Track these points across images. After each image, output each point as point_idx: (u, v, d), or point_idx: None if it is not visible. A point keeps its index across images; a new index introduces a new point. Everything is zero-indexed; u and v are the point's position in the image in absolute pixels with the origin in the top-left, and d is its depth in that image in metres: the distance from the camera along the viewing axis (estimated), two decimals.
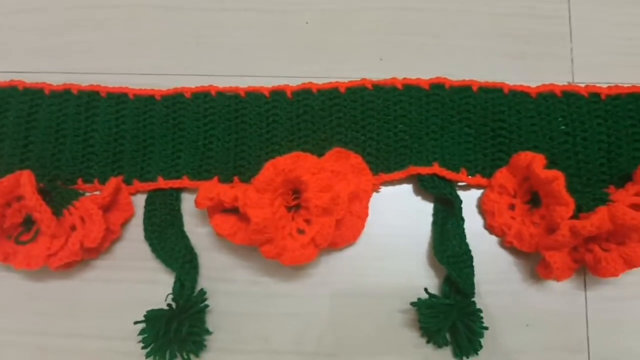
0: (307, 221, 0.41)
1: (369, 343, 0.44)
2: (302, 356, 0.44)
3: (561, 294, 0.44)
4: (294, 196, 0.42)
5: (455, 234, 0.43)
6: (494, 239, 0.45)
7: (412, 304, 0.42)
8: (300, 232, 0.42)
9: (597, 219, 0.39)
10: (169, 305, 0.42)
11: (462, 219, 0.44)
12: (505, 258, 0.45)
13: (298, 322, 0.44)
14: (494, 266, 0.45)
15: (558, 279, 0.42)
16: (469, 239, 0.45)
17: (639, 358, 0.43)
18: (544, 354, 0.43)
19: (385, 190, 0.47)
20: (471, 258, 0.43)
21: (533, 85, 0.47)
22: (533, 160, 0.42)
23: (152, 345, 0.41)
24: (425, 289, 0.42)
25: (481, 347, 0.42)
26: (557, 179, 0.41)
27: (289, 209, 0.43)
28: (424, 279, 0.45)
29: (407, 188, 0.47)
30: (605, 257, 0.41)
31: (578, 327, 0.44)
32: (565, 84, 0.48)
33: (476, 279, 0.44)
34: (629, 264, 0.40)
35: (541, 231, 0.42)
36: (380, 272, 0.45)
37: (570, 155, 0.46)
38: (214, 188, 0.42)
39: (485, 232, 0.46)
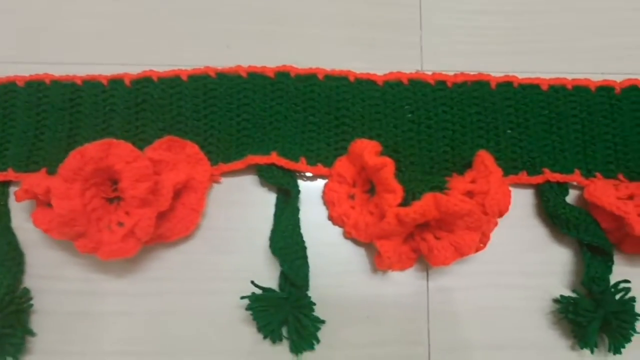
0: (127, 213, 0.39)
1: (204, 341, 0.42)
2: (134, 356, 0.41)
3: (403, 285, 0.43)
4: (114, 187, 0.40)
5: (289, 225, 0.41)
6: (338, 230, 0.44)
7: (242, 298, 0.40)
8: (121, 225, 0.39)
9: (420, 206, 0.38)
10: None
11: (297, 210, 0.42)
12: (348, 249, 0.44)
13: (129, 321, 0.42)
14: (336, 257, 0.44)
15: (392, 268, 0.41)
16: (314, 230, 0.43)
17: (477, 348, 0.42)
18: (384, 346, 0.42)
19: (227, 181, 0.45)
20: (304, 250, 0.41)
21: (382, 73, 0.46)
22: (365, 148, 0.41)
23: None
24: (252, 282, 0.40)
25: (317, 340, 0.41)
26: (385, 166, 0.40)
27: (110, 200, 0.40)
28: (265, 273, 0.43)
29: (253, 179, 0.45)
30: (437, 245, 0.40)
31: (419, 318, 0.43)
32: (414, 71, 0.47)
33: (319, 270, 0.43)
34: (460, 252, 0.39)
35: (375, 220, 0.41)
36: (218, 266, 0.43)
37: (414, 143, 0.45)
38: (33, 180, 0.40)
39: (330, 223, 0.44)
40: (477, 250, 0.40)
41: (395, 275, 0.43)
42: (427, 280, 0.43)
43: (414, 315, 0.43)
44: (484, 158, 0.41)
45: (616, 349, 0.40)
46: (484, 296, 0.43)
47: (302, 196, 0.44)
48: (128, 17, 0.48)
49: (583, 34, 0.48)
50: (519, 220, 0.44)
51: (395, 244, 0.40)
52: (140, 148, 0.43)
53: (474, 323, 0.43)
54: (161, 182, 0.40)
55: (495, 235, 0.42)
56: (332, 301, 0.43)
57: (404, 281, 0.43)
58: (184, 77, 0.46)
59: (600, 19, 0.48)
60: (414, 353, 0.42)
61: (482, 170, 0.41)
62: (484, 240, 0.41)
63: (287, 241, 0.41)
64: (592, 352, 0.41)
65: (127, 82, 0.45)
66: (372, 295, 0.43)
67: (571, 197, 0.45)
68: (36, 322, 0.42)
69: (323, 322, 0.41)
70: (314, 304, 0.41)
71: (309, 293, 0.42)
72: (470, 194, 0.41)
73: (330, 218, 0.44)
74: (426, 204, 0.38)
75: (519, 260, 0.44)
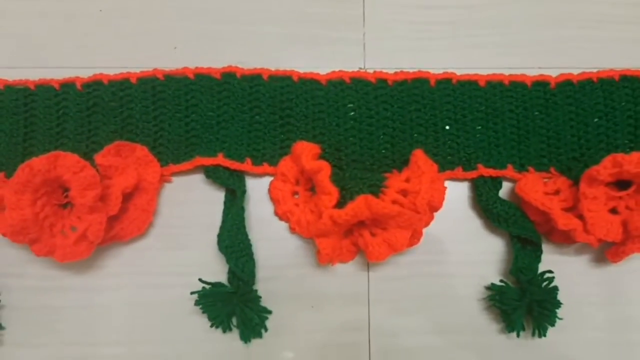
0: (79, 218, 0.42)
1: (159, 331, 0.45)
2: (95, 347, 0.45)
3: (345, 275, 0.46)
4: (66, 193, 0.42)
5: (234, 224, 0.44)
6: (285, 225, 0.46)
7: (192, 293, 0.43)
8: (74, 229, 0.42)
9: (352, 208, 0.40)
10: None
11: (242, 209, 0.45)
12: (294, 243, 0.46)
13: (88, 314, 0.45)
14: (283, 251, 0.46)
15: (332, 263, 0.44)
16: (263, 225, 0.46)
17: (415, 334, 0.45)
18: (327, 334, 0.45)
19: (179, 180, 0.47)
20: (249, 247, 0.44)
21: (326, 70, 0.47)
22: (302, 152, 0.43)
23: None
24: (200, 279, 0.43)
25: (265, 329, 0.44)
26: (321, 170, 0.42)
27: (64, 205, 0.43)
28: (217, 267, 0.45)
29: (204, 178, 0.47)
30: (372, 242, 0.42)
31: (360, 306, 0.46)
32: (356, 70, 0.48)
33: (267, 263, 0.45)
34: (393, 248, 0.42)
35: (315, 218, 0.43)
36: (172, 261, 0.46)
37: (356, 141, 0.47)
38: None
39: (277, 218, 0.47)
40: (410, 245, 0.43)
41: (338, 267, 0.46)
42: (368, 271, 0.46)
43: (355, 304, 0.46)
44: (418, 158, 0.43)
45: (540, 333, 0.44)
46: (422, 285, 0.46)
47: (252, 192, 0.47)
48: (77, 20, 0.49)
49: (521, 28, 0.49)
50: (456, 213, 0.47)
51: (333, 240, 0.43)
52: (94, 151, 0.45)
53: (412, 310, 0.46)
54: (111, 187, 0.42)
55: (433, 226, 0.45)
56: (280, 292, 0.46)
57: (347, 272, 0.46)
58: (133, 80, 0.47)
59: (537, 13, 0.49)
60: (356, 339, 0.45)
61: (415, 170, 0.43)
62: (417, 236, 0.43)
63: (232, 239, 0.43)
64: (517, 335, 0.44)
65: (78, 85, 0.47)
66: (316, 286, 0.46)
67: (508, 189, 0.47)
68: (4, 317, 0.44)
69: (270, 312, 0.45)
70: (260, 297, 0.44)
71: (258, 285, 0.45)
72: (404, 192, 0.43)
73: (276, 214, 0.46)
74: (357, 206, 0.40)
75: (455, 250, 0.46)
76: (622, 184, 0.43)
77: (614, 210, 0.43)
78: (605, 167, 0.40)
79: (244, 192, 0.45)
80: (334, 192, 0.42)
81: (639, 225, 0.41)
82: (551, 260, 0.46)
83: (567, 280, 0.46)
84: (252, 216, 0.46)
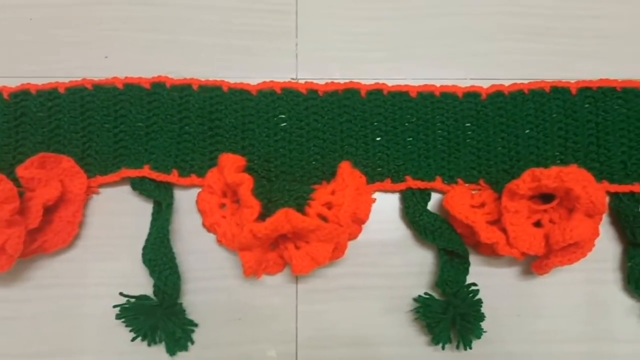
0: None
1: (86, 342, 0.45)
2: (20, 358, 0.44)
3: (273, 287, 0.46)
4: None
5: (157, 237, 0.44)
6: (213, 237, 0.46)
7: (115, 306, 0.43)
8: None
9: (271, 222, 0.40)
10: None
11: (167, 222, 0.44)
12: (222, 255, 0.46)
13: (15, 325, 0.45)
14: (211, 263, 0.46)
15: (257, 276, 0.43)
16: (191, 237, 0.46)
17: (342, 345, 0.45)
18: (254, 345, 0.45)
19: (108, 191, 0.47)
20: (172, 260, 0.44)
21: (259, 81, 0.47)
22: (225, 165, 0.43)
23: None
24: (121, 293, 0.43)
25: (192, 342, 0.44)
26: (243, 183, 0.42)
27: None
28: (143, 281, 0.45)
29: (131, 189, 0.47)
30: (296, 255, 0.42)
31: (288, 319, 0.46)
32: (288, 80, 0.48)
33: (195, 275, 0.45)
34: (316, 262, 0.42)
35: (240, 231, 0.43)
36: (100, 273, 0.46)
37: (285, 152, 0.46)
38: None
39: (205, 230, 0.46)
40: (334, 258, 0.43)
41: (266, 279, 0.46)
42: (297, 283, 0.46)
43: (283, 316, 0.46)
44: (343, 170, 0.43)
45: (465, 345, 0.44)
46: (350, 297, 0.46)
47: (181, 204, 0.47)
48: (7, 28, 0.48)
49: (453, 39, 0.49)
50: (387, 224, 0.47)
51: (257, 254, 0.42)
52: (21, 162, 0.44)
53: (340, 322, 0.46)
54: (33, 199, 0.42)
55: (362, 238, 0.45)
56: (207, 305, 0.45)
57: (275, 284, 0.46)
58: (62, 90, 0.47)
59: (470, 25, 0.49)
60: (283, 351, 0.45)
61: (340, 182, 0.43)
62: (340, 249, 0.43)
63: (156, 253, 0.43)
64: (442, 348, 0.44)
65: (5, 95, 0.46)
66: (244, 298, 0.46)
67: (438, 201, 0.47)
68: None
69: (195, 325, 0.44)
70: (184, 310, 0.44)
71: (185, 298, 0.45)
72: (329, 205, 0.43)
73: (204, 226, 0.46)
74: (277, 219, 0.40)
75: (384, 262, 0.46)
76: (549, 197, 0.43)
77: (538, 224, 0.43)
78: (525, 182, 0.40)
79: (169, 204, 0.45)
80: (255, 206, 0.41)
81: (560, 239, 0.41)
82: (480, 272, 0.46)
83: (495, 293, 0.46)
84: (181, 228, 0.46)
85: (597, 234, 0.43)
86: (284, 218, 0.40)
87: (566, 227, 0.41)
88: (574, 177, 0.40)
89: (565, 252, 0.42)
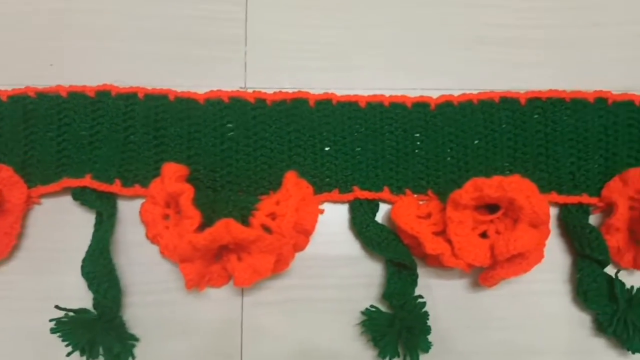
0: None
1: (25, 357, 0.43)
2: None
3: (219, 300, 0.45)
4: None
5: (96, 249, 0.42)
6: (157, 249, 0.45)
7: (51, 320, 0.42)
8: None
9: (210, 233, 0.39)
10: None
11: (108, 233, 0.43)
12: (166, 267, 0.45)
13: None
14: (155, 276, 0.45)
15: (200, 288, 0.42)
16: (135, 248, 0.45)
17: (289, 358, 0.44)
18: (198, 358, 0.44)
19: (50, 201, 0.46)
20: (111, 272, 0.43)
21: (206, 90, 0.47)
22: (166, 174, 0.42)
23: None
24: (56, 306, 0.42)
25: (132, 357, 0.43)
26: (183, 193, 0.41)
27: None
28: (85, 294, 0.44)
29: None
30: (238, 266, 0.41)
31: (233, 333, 0.45)
32: (236, 89, 0.47)
33: (138, 289, 0.44)
34: (258, 274, 0.41)
35: (181, 242, 0.42)
36: (40, 286, 0.44)
37: (232, 162, 0.46)
38: None
39: (149, 242, 0.45)
40: (277, 271, 0.42)
41: (212, 292, 0.45)
42: (242, 296, 0.45)
43: (228, 330, 0.45)
44: (287, 180, 0.43)
45: (412, 358, 0.43)
46: (297, 310, 0.45)
47: (126, 215, 0.46)
48: None
49: (403, 49, 0.49)
50: (334, 236, 0.46)
51: (199, 266, 0.41)
52: None
53: (285, 335, 0.45)
54: None
55: (310, 250, 0.44)
56: (150, 318, 0.44)
57: (220, 297, 0.45)
58: (4, 98, 0.46)
59: (419, 35, 0.49)
60: None
61: (284, 193, 0.42)
62: (284, 260, 0.42)
63: (94, 265, 0.42)
64: None
65: None
66: (188, 311, 0.45)
67: (388, 212, 0.46)
68: None
69: (137, 339, 0.43)
70: (124, 325, 0.43)
71: (127, 311, 0.44)
72: (273, 215, 0.42)
73: (147, 238, 0.45)
74: (216, 230, 0.39)
75: (332, 274, 0.46)
76: (498, 208, 0.43)
77: (485, 235, 0.43)
78: (467, 191, 0.40)
79: (111, 215, 0.44)
80: (195, 216, 0.41)
81: (504, 249, 0.40)
82: (429, 284, 0.45)
83: (445, 305, 0.45)
84: (126, 239, 0.45)
85: (542, 245, 0.42)
86: (224, 229, 0.39)
87: (510, 238, 0.40)
88: (516, 187, 0.40)
89: (511, 263, 0.42)
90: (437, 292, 0.45)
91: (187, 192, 0.41)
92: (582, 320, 0.46)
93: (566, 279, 0.46)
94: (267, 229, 0.42)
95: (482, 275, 0.43)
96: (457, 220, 0.41)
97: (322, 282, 0.46)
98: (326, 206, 0.46)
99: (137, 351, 0.44)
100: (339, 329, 0.45)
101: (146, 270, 0.45)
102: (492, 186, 0.39)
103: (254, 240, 0.40)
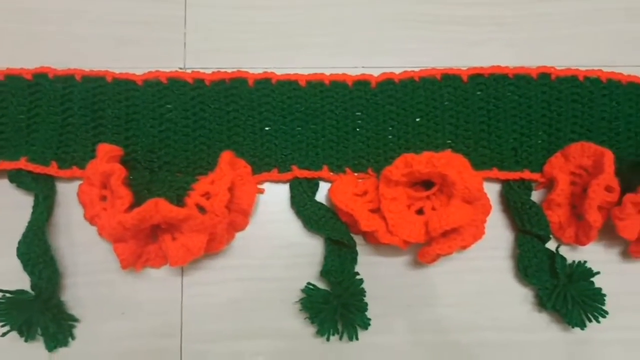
0: None
1: None
2: None
3: (158, 281, 0.45)
4: None
5: (30, 231, 0.42)
6: (95, 229, 0.45)
7: None
8: None
9: (139, 212, 0.39)
10: None
11: (43, 215, 0.43)
12: (105, 247, 0.45)
13: None
14: (94, 256, 0.45)
15: (136, 269, 0.43)
16: (75, 229, 0.45)
17: (228, 338, 0.44)
18: (138, 340, 0.44)
19: None
20: (46, 253, 0.42)
21: (145, 71, 0.46)
22: (99, 154, 0.42)
23: None
24: None
25: (72, 337, 0.43)
26: (114, 173, 0.41)
27: None
28: (23, 275, 0.44)
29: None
30: (171, 246, 0.41)
31: (172, 312, 0.45)
32: (177, 69, 0.47)
33: (77, 269, 0.44)
34: (191, 253, 0.41)
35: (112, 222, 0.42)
36: None
37: (170, 142, 0.46)
38: None
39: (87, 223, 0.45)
40: (213, 250, 0.42)
41: (151, 272, 0.45)
42: (182, 276, 0.45)
43: (168, 309, 0.45)
44: (222, 160, 0.43)
45: (350, 335, 0.43)
46: (237, 289, 0.45)
47: (65, 196, 0.45)
48: None
49: (345, 28, 0.48)
50: (275, 215, 0.46)
51: (132, 246, 0.41)
52: None
53: (225, 315, 0.45)
54: None
55: (250, 229, 0.44)
56: (90, 299, 0.44)
57: (160, 277, 0.45)
58: None
59: (361, 13, 0.49)
60: (167, 344, 0.44)
61: (218, 172, 0.42)
62: (219, 240, 0.42)
63: (29, 246, 0.42)
64: (327, 339, 0.43)
65: None
66: (127, 292, 0.45)
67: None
68: None
69: (76, 320, 0.43)
70: (62, 305, 0.43)
71: (67, 292, 0.44)
72: (208, 195, 0.42)
73: (85, 219, 0.45)
74: (145, 209, 0.39)
75: (273, 254, 0.46)
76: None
77: (422, 212, 0.43)
78: (397, 167, 0.40)
79: (47, 196, 0.44)
80: (125, 196, 0.40)
81: (437, 225, 0.40)
82: (371, 262, 0.45)
83: (386, 283, 0.45)
84: (65, 220, 0.45)
85: (480, 221, 0.42)
86: (153, 207, 0.39)
87: (443, 213, 0.40)
88: (446, 162, 0.39)
89: (446, 238, 0.41)
90: (379, 270, 0.45)
91: (118, 172, 0.41)
92: (524, 295, 0.46)
93: (509, 255, 0.46)
94: (201, 208, 0.42)
95: (420, 252, 0.43)
96: (390, 196, 0.41)
97: (263, 262, 0.46)
98: (268, 186, 0.46)
99: (77, 332, 0.44)
100: (279, 308, 0.45)
101: (86, 251, 0.45)
102: (421, 162, 0.39)
103: (185, 219, 0.39)
